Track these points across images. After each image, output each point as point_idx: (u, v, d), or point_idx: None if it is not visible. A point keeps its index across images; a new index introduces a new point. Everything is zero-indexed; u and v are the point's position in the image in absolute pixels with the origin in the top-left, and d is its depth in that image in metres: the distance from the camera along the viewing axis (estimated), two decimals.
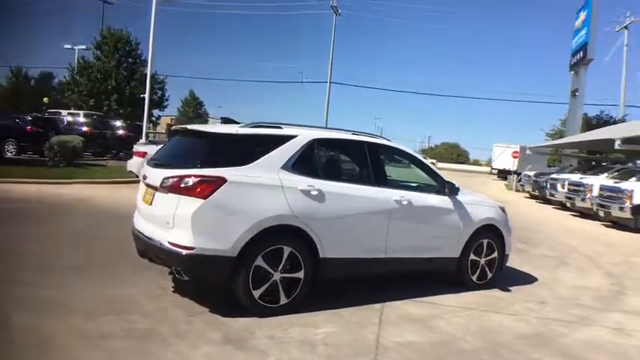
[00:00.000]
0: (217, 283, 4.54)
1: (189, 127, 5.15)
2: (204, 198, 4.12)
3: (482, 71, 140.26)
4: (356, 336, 4.24)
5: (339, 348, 3.95)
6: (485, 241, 5.90)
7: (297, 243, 4.48)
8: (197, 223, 4.11)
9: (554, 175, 20.66)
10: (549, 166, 29.67)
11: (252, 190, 4.31)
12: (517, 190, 27.98)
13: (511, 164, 41.84)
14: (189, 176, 4.18)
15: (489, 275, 6.00)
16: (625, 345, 4.57)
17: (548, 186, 20.12)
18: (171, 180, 4.25)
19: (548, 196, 20.25)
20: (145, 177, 4.80)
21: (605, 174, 16.81)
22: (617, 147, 17.13)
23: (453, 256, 5.70)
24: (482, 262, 5.93)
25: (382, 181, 5.25)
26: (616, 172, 16.62)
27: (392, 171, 5.97)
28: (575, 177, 17.92)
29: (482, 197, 6.40)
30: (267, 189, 4.36)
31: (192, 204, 4.12)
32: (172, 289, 5.00)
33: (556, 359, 4.14)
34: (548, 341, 4.53)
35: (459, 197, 5.73)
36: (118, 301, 4.53)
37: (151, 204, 4.55)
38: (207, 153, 4.43)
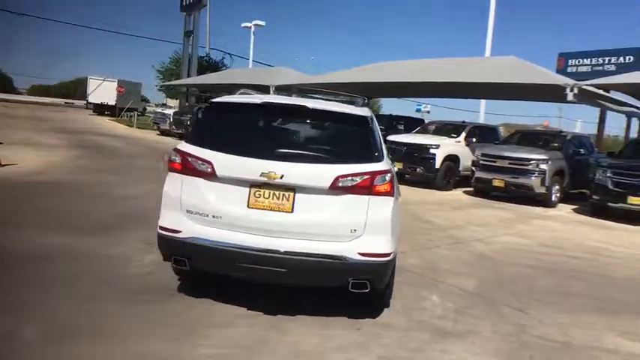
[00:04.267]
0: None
1: (315, 106, 3.80)
2: (393, 195, 3.61)
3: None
4: None
5: None
6: None
7: None
8: (393, 225, 3.61)
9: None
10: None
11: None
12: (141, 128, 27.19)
13: (111, 99, 39.84)
14: (381, 172, 3.56)
15: None
16: None
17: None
18: (357, 178, 3.45)
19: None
20: (268, 175, 3.40)
21: None
22: (271, 92, 19.00)
23: None
24: None
25: None
26: None
27: None
28: None
29: None
30: None
31: (386, 204, 3.58)
32: None
33: None
34: None
35: None
36: None
37: (292, 210, 3.45)
38: (368, 142, 3.74)
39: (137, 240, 5.39)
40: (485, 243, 7.05)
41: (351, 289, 3.51)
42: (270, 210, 3.45)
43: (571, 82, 10.93)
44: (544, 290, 5.05)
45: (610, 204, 10.17)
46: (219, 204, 3.50)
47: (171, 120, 24.27)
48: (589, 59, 21.01)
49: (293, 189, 3.44)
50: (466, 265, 5.71)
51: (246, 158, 3.47)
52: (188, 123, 22.88)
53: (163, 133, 24.91)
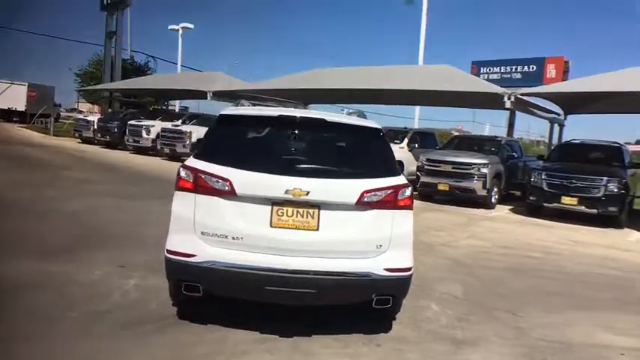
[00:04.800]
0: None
1: (333, 119, 3.75)
2: (412, 209, 3.63)
3: None
4: None
5: None
6: None
7: None
8: (411, 238, 3.62)
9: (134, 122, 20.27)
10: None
11: None
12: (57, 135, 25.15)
13: (21, 104, 36.39)
14: (403, 186, 3.57)
15: None
16: None
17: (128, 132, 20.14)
18: (383, 193, 3.42)
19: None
20: (293, 192, 3.25)
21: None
22: (209, 98, 18.53)
23: None
24: None
25: None
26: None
27: None
28: (148, 122, 19.98)
29: None
30: None
31: (407, 218, 3.59)
32: None
33: None
34: None
35: None
36: None
37: (316, 229, 3.27)
38: (387, 155, 3.78)
39: (108, 262, 4.97)
40: (452, 247, 7.32)
41: (375, 305, 3.47)
42: (295, 229, 3.30)
43: (508, 91, 11.73)
44: (522, 292, 5.33)
45: (545, 204, 11.01)
46: (239, 224, 3.29)
47: (96, 127, 22.68)
48: (498, 67, 22.57)
49: (318, 206, 3.32)
50: (447, 271, 5.88)
51: (268, 175, 3.30)
52: (115, 130, 21.63)
53: (86, 141, 23.16)
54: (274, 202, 3.30)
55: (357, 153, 3.70)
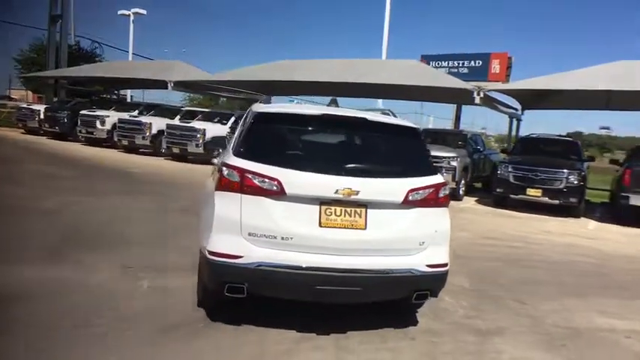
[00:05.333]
0: None
1: (374, 118, 3.81)
2: (448, 206, 3.76)
3: None
4: None
5: None
6: None
7: None
8: (449, 234, 3.73)
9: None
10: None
11: None
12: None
13: None
14: (443, 184, 3.67)
15: None
16: None
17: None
18: (426, 191, 3.52)
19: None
20: (344, 192, 3.27)
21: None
22: (170, 88, 17.91)
23: None
24: None
25: None
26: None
27: None
28: (103, 112, 19.04)
29: None
30: None
31: (446, 215, 3.70)
32: None
33: None
34: None
35: None
36: None
37: (364, 227, 3.33)
38: (426, 154, 3.90)
39: (110, 264, 4.77)
40: None
41: (414, 301, 3.56)
42: (344, 228, 3.31)
43: (477, 87, 12.18)
44: (520, 281, 5.62)
45: (511, 196, 11.57)
46: (288, 224, 3.26)
47: (43, 117, 21.33)
48: (447, 62, 23.32)
49: (365, 205, 3.35)
50: None
51: (317, 174, 3.29)
52: (66, 120, 20.45)
53: (31, 131, 21.76)
54: (322, 202, 3.30)
55: (398, 152, 3.76)
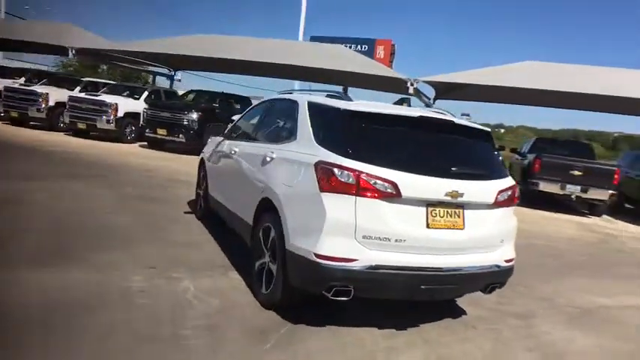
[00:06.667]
0: None
1: (459, 121, 3.93)
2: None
3: None
4: None
5: None
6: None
7: None
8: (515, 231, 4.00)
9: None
10: None
11: None
12: None
13: None
14: (516, 185, 3.91)
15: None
16: None
17: None
18: (508, 192, 3.79)
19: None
20: (452, 194, 3.40)
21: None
22: (71, 55, 15.89)
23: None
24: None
25: None
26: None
27: None
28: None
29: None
30: None
31: (512, 214, 3.93)
32: None
33: None
34: None
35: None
36: None
37: (463, 227, 3.53)
38: (499, 156, 4.08)
39: (131, 264, 4.31)
40: None
41: (486, 293, 3.84)
42: (447, 229, 3.43)
43: (411, 77, 12.83)
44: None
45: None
46: (401, 227, 3.27)
47: None
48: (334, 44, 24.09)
49: (462, 206, 3.49)
50: None
51: (429, 177, 3.35)
52: None
53: None
54: (429, 204, 3.37)
55: (482, 155, 3.93)
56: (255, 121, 5.31)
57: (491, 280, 3.74)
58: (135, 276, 4.04)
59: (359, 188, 3.19)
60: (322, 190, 3.25)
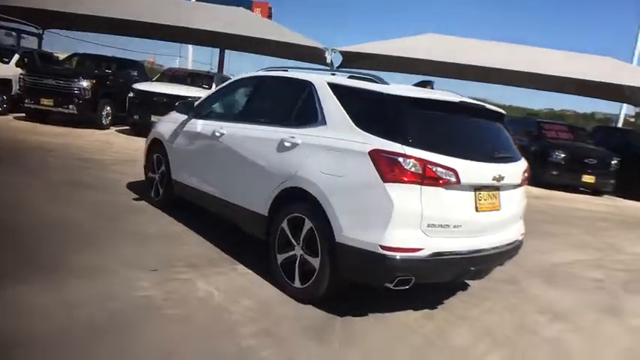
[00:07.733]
0: None
1: (489, 106, 3.95)
2: None
3: None
4: None
5: None
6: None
7: None
8: None
9: None
10: None
11: None
12: None
13: None
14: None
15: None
16: None
17: None
18: (526, 173, 4.01)
19: None
20: (497, 178, 3.52)
21: None
22: None
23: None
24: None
25: None
26: None
27: None
28: None
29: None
30: None
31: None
32: None
33: None
34: None
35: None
36: None
37: (499, 208, 3.67)
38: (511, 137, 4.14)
39: (124, 267, 3.80)
40: None
41: (501, 266, 4.06)
42: (489, 211, 3.54)
43: (329, 47, 12.78)
44: None
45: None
46: (457, 212, 3.31)
47: None
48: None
49: (498, 188, 3.61)
50: None
51: (481, 163, 3.43)
52: None
53: None
54: (476, 188, 3.44)
55: (507, 137, 4.04)
56: (243, 100, 4.82)
57: (513, 253, 3.99)
58: (139, 282, 3.52)
59: (424, 177, 3.12)
60: (385, 180, 3.11)
